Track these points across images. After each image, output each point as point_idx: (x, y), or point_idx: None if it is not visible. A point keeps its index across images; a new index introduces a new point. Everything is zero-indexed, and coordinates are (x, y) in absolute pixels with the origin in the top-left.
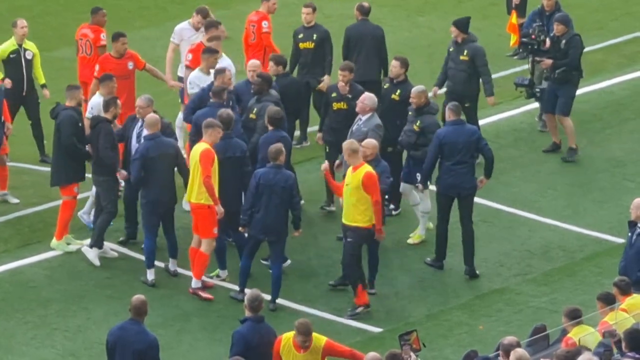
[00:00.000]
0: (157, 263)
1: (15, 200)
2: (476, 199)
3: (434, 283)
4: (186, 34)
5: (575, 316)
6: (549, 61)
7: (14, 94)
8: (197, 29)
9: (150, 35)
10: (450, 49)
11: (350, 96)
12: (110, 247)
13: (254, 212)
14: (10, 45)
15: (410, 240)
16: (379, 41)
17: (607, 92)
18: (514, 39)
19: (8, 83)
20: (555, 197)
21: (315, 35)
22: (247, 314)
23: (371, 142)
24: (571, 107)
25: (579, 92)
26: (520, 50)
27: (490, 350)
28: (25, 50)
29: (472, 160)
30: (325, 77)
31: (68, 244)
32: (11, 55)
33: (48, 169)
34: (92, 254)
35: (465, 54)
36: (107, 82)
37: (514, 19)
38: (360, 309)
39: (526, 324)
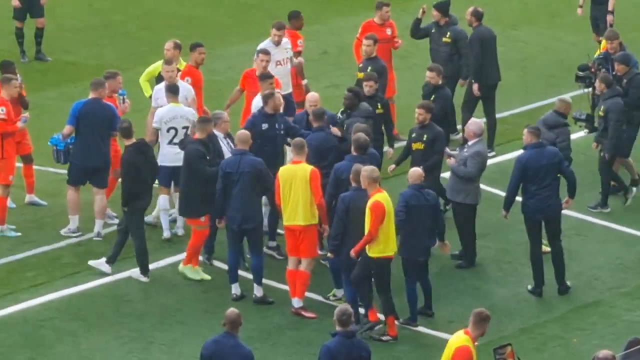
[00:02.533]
0: (243, 274)
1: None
2: (570, 213)
3: (528, 297)
4: (271, 51)
5: None
6: None
7: None
8: (277, 44)
9: (245, 50)
10: (432, 31)
11: (425, 137)
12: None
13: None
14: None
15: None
16: (495, 44)
17: None
18: None
19: None
20: None
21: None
22: (337, 328)
23: (416, 171)
24: (631, 148)
25: None
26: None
27: None
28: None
29: (556, 182)
30: None
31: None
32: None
33: None
34: (141, 277)
35: (447, 36)
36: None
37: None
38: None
39: (620, 337)
